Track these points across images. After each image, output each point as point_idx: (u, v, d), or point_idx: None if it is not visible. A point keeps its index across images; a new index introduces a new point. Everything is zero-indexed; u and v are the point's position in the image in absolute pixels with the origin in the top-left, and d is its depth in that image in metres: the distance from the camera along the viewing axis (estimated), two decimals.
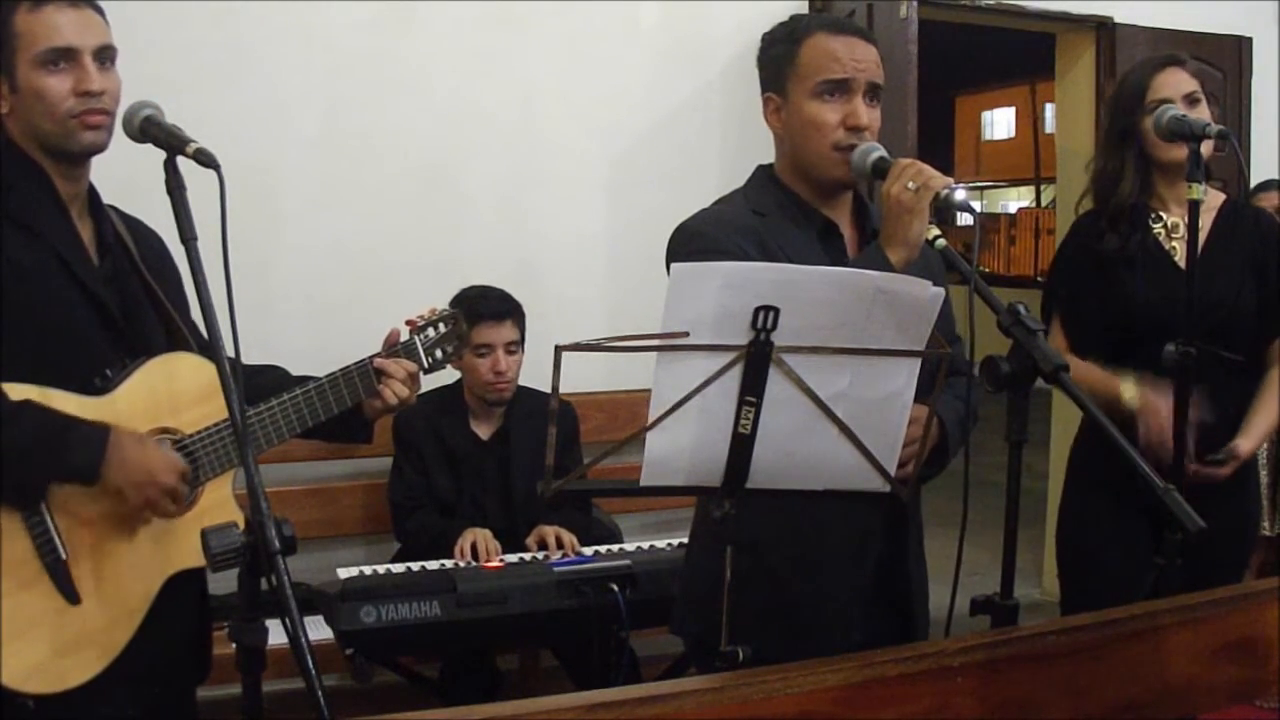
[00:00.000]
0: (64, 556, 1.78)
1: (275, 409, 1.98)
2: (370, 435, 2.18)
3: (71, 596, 1.78)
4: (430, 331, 2.21)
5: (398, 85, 3.73)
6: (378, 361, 2.11)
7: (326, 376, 2.06)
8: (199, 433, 1.92)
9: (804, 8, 4.13)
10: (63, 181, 1.89)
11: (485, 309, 3.18)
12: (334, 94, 3.66)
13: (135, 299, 1.95)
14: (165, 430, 1.90)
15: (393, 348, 2.15)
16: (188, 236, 1.68)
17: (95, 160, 1.92)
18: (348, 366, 2.09)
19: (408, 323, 2.22)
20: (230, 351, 1.60)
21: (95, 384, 1.85)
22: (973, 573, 1.80)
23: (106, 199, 2.02)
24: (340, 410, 2.07)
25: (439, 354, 2.23)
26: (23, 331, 1.78)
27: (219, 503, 1.94)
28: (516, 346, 3.22)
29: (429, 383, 3.27)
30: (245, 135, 3.40)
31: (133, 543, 1.86)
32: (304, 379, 2.05)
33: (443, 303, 3.52)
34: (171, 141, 1.73)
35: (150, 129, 1.77)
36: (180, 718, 2.06)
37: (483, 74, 3.84)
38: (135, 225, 2.04)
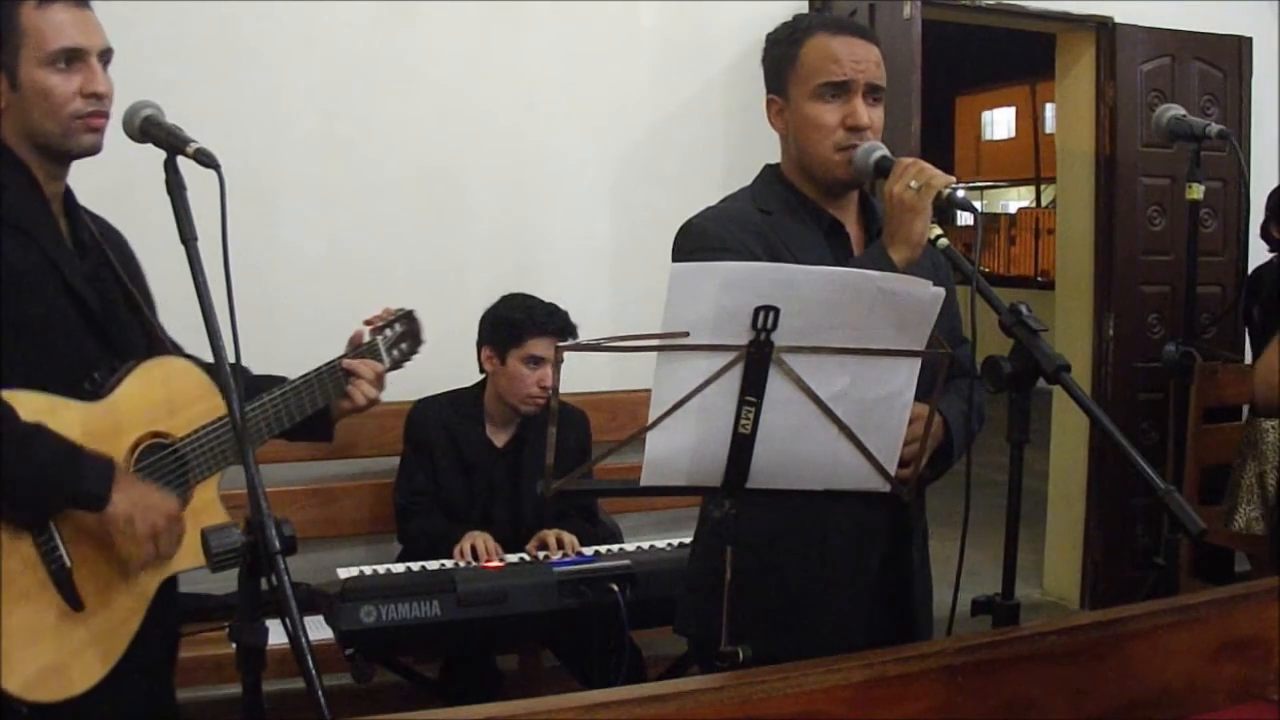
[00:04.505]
0: (68, 565, 1.78)
1: (255, 412, 1.98)
2: (331, 434, 2.19)
3: (75, 605, 1.78)
4: (388, 331, 2.23)
5: (398, 86, 3.73)
6: (346, 363, 2.13)
7: (300, 378, 2.08)
8: (189, 435, 1.92)
9: (805, 7, 4.13)
10: (48, 181, 1.87)
11: (550, 325, 3.16)
12: (333, 94, 3.66)
13: (113, 299, 1.94)
14: (158, 434, 1.91)
15: (358, 348, 2.17)
16: (188, 236, 1.68)
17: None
18: (319, 368, 2.11)
19: (366, 322, 2.24)
20: (231, 351, 1.60)
21: (85, 387, 1.84)
22: (973, 573, 1.80)
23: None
24: (313, 411, 2.09)
25: (396, 353, 2.24)
26: (15, 334, 1.77)
27: (206, 504, 1.94)
28: (559, 365, 3.18)
29: (447, 383, 3.30)
30: (244, 136, 3.40)
31: None
32: (267, 378, 2.05)
33: (448, 304, 3.55)
34: (172, 141, 1.73)
35: (150, 129, 1.76)
36: (165, 712, 2.07)
37: (483, 74, 3.84)
38: (103, 224, 2.03)
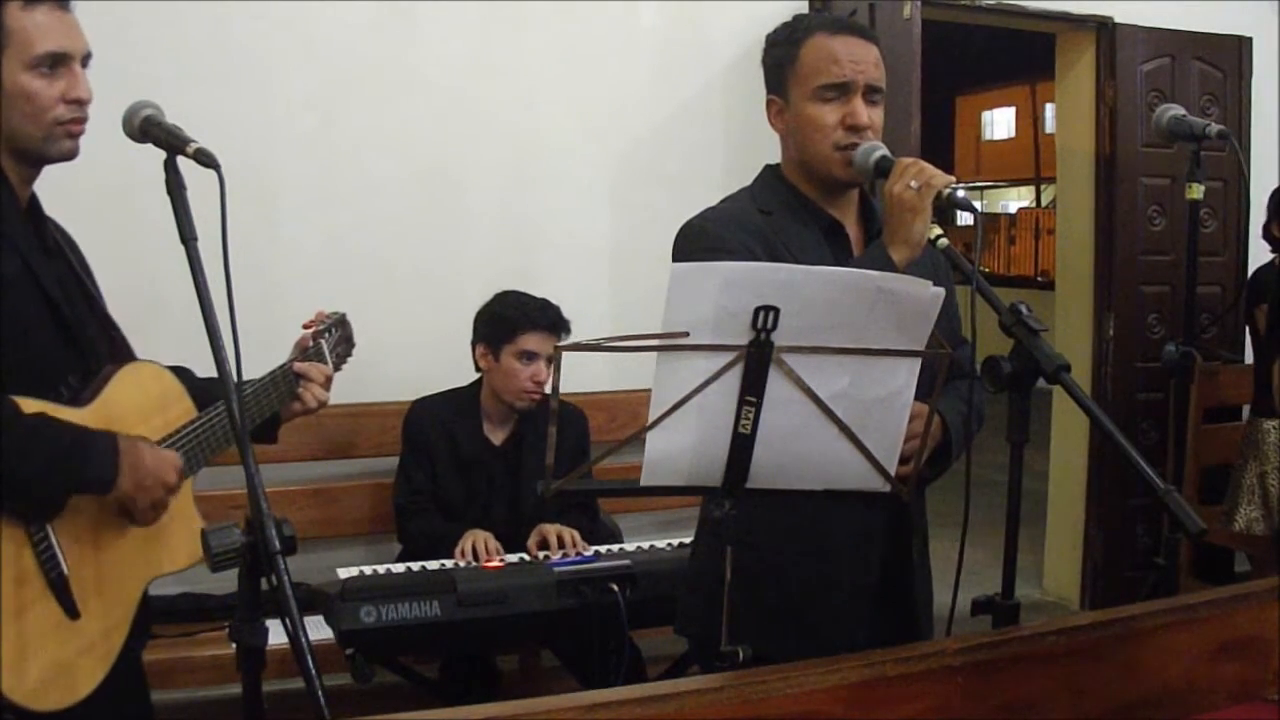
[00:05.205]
0: (65, 573, 1.77)
1: (214, 417, 1.97)
2: (276, 437, 2.21)
3: (73, 612, 1.78)
4: (327, 335, 2.26)
5: (397, 86, 3.73)
6: (298, 366, 2.16)
7: (257, 382, 2.08)
8: (165, 440, 1.92)
9: (805, 7, 4.13)
10: (20, 185, 1.85)
11: (543, 319, 3.17)
12: (333, 94, 3.66)
13: (77, 303, 1.92)
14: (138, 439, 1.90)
15: (305, 352, 2.19)
16: (188, 236, 1.67)
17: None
18: (272, 372, 2.13)
19: (305, 326, 2.27)
20: (231, 351, 1.59)
21: (61, 393, 1.82)
22: (973, 573, 1.80)
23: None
24: (269, 415, 2.11)
25: (334, 356, 2.28)
26: (2, 342, 1.76)
27: (183, 508, 1.94)
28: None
29: (447, 382, 3.30)
30: (244, 136, 3.40)
31: (124, 551, 1.86)
32: (213, 380, 2.03)
33: (448, 304, 3.55)
34: (172, 141, 1.72)
35: (150, 129, 1.75)
36: (145, 708, 2.08)
37: (483, 75, 3.84)
38: (57, 225, 2.00)
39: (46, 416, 1.74)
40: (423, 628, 2.62)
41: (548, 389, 3.17)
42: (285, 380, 2.14)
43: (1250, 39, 4.88)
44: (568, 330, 3.21)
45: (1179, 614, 1.66)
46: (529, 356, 3.16)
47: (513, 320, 3.17)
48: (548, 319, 3.18)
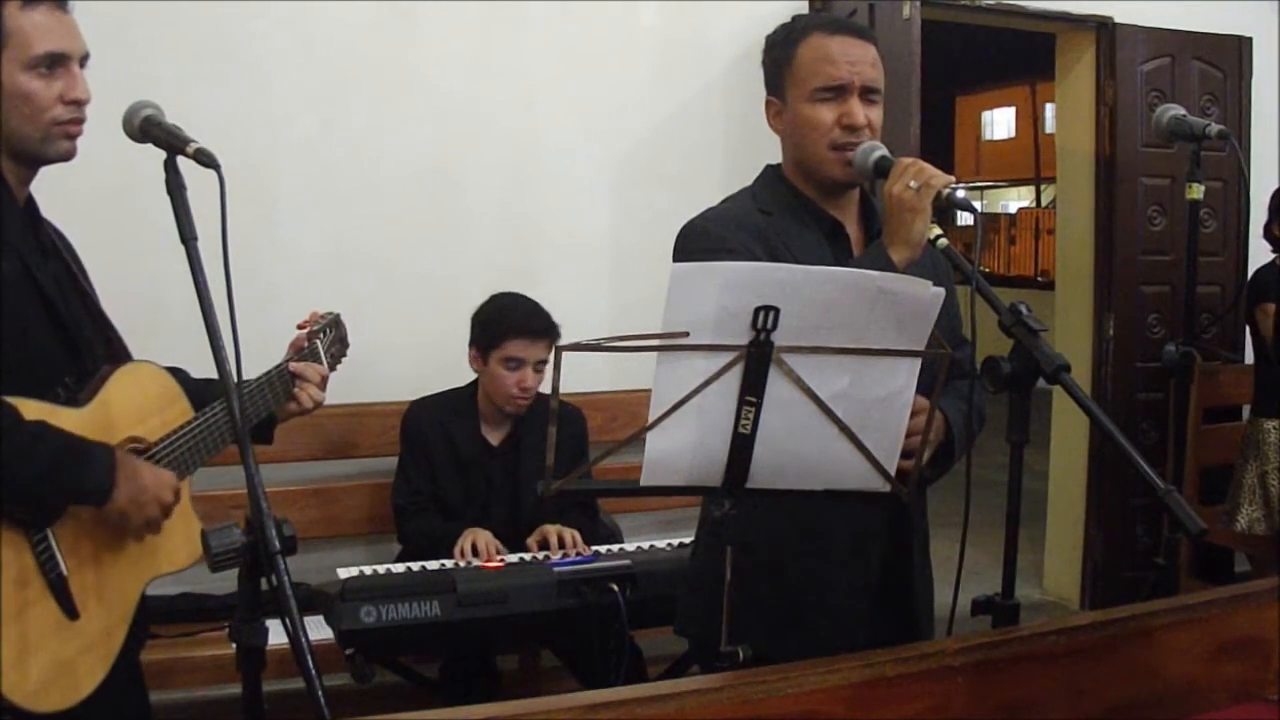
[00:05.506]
0: (65, 574, 1.77)
1: (217, 418, 1.98)
2: (272, 437, 2.21)
3: (72, 613, 1.78)
4: (322, 335, 2.27)
5: (398, 86, 3.73)
6: (293, 366, 2.17)
7: (253, 382, 2.08)
8: (163, 440, 1.92)
9: (805, 8, 4.14)
10: (18, 186, 1.85)
11: (528, 325, 3.14)
12: (333, 95, 3.66)
13: (73, 303, 1.92)
14: (134, 439, 1.91)
15: (300, 352, 2.19)
16: (188, 236, 1.67)
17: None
18: (268, 372, 2.13)
19: (300, 326, 2.27)
20: (231, 351, 1.59)
21: (58, 393, 1.82)
22: (973, 573, 1.81)
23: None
24: (265, 415, 2.11)
25: (329, 356, 2.28)
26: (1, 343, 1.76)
27: (181, 508, 1.93)
28: (543, 365, 3.17)
29: (447, 383, 3.31)
30: (244, 136, 3.40)
31: (123, 551, 1.86)
32: (208, 381, 2.03)
33: (447, 304, 3.55)
34: (172, 141, 1.72)
35: (150, 129, 1.75)
36: (143, 707, 2.08)
37: (483, 75, 3.84)
38: (53, 227, 2.00)
39: (45, 424, 1.74)
40: (423, 628, 2.62)
41: (545, 389, 3.17)
42: (281, 381, 2.14)
43: (1250, 39, 4.88)
44: (558, 335, 3.18)
45: (1179, 614, 1.66)
46: (515, 363, 3.14)
47: (499, 326, 3.16)
48: (536, 325, 3.15)
